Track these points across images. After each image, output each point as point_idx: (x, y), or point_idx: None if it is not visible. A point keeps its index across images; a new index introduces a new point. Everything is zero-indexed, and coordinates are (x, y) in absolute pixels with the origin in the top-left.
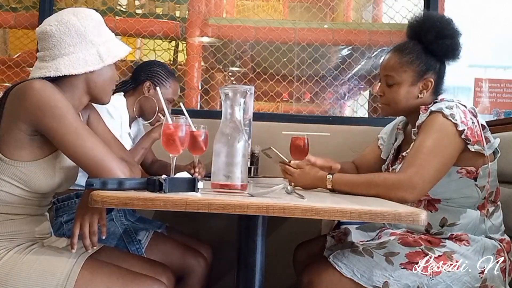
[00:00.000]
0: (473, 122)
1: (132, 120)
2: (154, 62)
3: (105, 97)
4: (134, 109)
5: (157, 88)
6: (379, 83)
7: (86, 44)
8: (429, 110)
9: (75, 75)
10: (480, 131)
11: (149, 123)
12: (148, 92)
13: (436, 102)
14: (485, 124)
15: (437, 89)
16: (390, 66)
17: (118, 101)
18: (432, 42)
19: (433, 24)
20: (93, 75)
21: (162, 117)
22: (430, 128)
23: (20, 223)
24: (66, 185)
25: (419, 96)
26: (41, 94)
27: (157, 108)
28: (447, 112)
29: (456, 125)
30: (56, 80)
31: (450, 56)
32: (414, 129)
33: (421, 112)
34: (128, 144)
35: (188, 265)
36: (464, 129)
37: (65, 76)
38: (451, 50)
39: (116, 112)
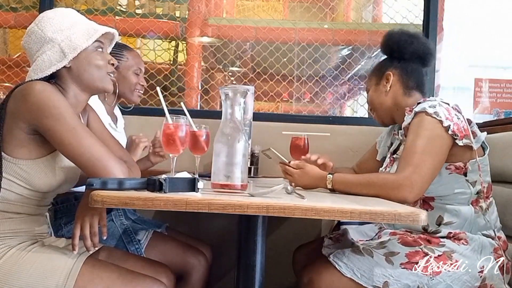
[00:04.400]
0: (458, 118)
1: (110, 108)
2: None
3: (100, 85)
4: (106, 98)
5: (158, 88)
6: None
7: (48, 44)
8: (413, 112)
9: (61, 74)
10: (467, 125)
11: (130, 106)
12: (113, 65)
13: (419, 103)
14: (471, 119)
15: (407, 84)
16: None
17: None
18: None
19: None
20: (72, 71)
21: (139, 91)
22: (418, 128)
23: (20, 222)
24: (67, 185)
25: (386, 90)
26: (41, 94)
27: (129, 85)
28: (430, 110)
29: (441, 122)
30: (54, 83)
31: (395, 52)
32: (401, 131)
33: (406, 114)
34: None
35: (188, 264)
36: (450, 125)
37: (55, 78)
38: (394, 47)
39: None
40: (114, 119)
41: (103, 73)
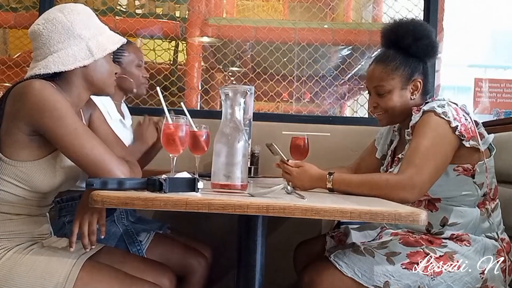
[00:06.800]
0: (466, 119)
1: (119, 105)
2: None
3: (107, 89)
4: (114, 95)
5: (158, 88)
6: (369, 97)
7: (75, 39)
8: (421, 110)
9: (71, 71)
10: (474, 127)
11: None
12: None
13: (427, 102)
14: (478, 121)
15: (426, 89)
16: (377, 77)
17: None
18: (410, 45)
19: (407, 29)
20: (88, 70)
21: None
22: (425, 127)
23: (20, 223)
24: (68, 184)
25: (412, 98)
26: (40, 94)
27: (134, 89)
28: (439, 110)
29: (449, 122)
30: (54, 79)
31: (431, 55)
32: (408, 130)
33: (413, 112)
34: (122, 131)
35: (189, 265)
36: (457, 126)
37: (61, 74)
38: (430, 49)
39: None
40: (122, 116)
41: (112, 79)
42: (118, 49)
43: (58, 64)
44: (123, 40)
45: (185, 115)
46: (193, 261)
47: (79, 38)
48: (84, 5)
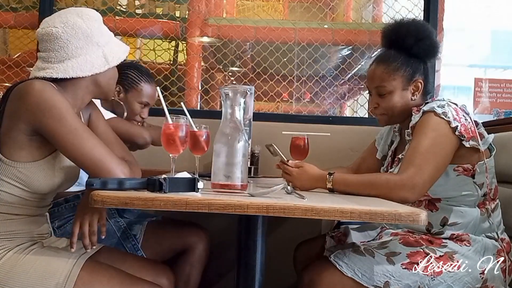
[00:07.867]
0: (466, 119)
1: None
2: (129, 64)
3: (109, 94)
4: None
5: (158, 88)
6: (369, 97)
7: (93, 46)
8: (421, 111)
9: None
10: (474, 127)
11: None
12: (118, 96)
13: (427, 102)
14: (478, 121)
15: (426, 89)
16: (379, 77)
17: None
18: (412, 45)
19: (409, 29)
20: (99, 76)
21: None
22: (425, 128)
23: (20, 223)
24: (67, 184)
25: (413, 99)
26: (40, 94)
27: (125, 114)
28: (439, 110)
29: (449, 122)
30: (59, 81)
31: (432, 55)
32: (408, 130)
33: (413, 113)
34: None
35: (189, 241)
36: (457, 126)
37: (70, 77)
38: (432, 49)
39: None
40: None
41: (114, 85)
42: (134, 77)
43: (77, 70)
44: (128, 48)
45: (185, 115)
46: (193, 237)
47: (97, 46)
48: (85, 6)
